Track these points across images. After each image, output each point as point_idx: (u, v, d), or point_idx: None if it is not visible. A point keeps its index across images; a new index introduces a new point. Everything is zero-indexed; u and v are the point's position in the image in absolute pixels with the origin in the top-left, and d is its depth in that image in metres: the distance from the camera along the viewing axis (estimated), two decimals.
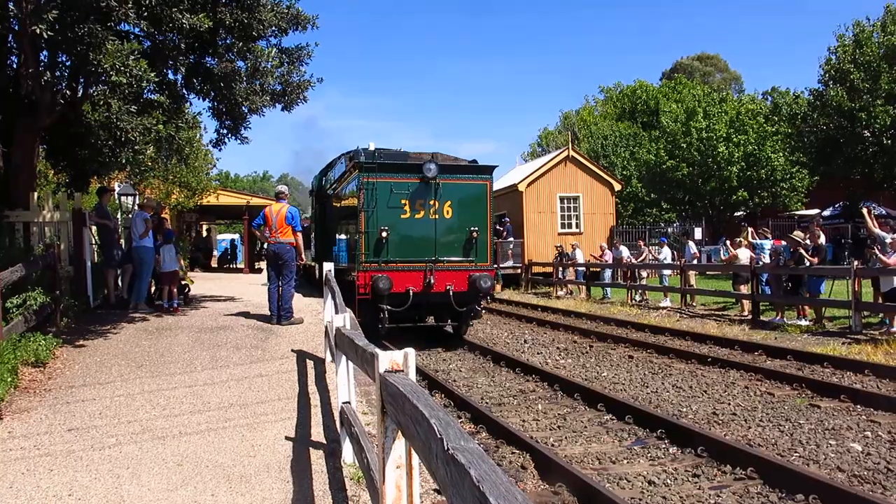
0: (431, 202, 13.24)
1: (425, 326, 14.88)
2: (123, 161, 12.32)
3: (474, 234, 13.41)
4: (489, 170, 14.23)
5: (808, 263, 14.51)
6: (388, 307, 12.77)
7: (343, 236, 16.16)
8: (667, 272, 21.48)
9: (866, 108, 24.44)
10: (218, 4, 9.61)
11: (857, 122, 24.79)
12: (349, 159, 15.23)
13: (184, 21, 8.71)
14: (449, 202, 13.40)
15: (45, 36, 8.11)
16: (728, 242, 19.54)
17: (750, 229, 19.59)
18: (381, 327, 12.92)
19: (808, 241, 14.93)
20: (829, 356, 10.90)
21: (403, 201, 13.16)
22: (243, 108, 11.13)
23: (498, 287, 25.57)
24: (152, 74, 8.77)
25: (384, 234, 12.94)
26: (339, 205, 16.83)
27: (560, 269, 25.85)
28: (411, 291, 12.96)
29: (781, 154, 31.56)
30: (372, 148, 14.07)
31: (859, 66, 25.23)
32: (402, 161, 13.66)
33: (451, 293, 13.08)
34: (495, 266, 16.12)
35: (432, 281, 13.03)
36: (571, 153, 30.45)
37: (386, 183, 13.09)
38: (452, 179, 13.49)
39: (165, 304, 12.25)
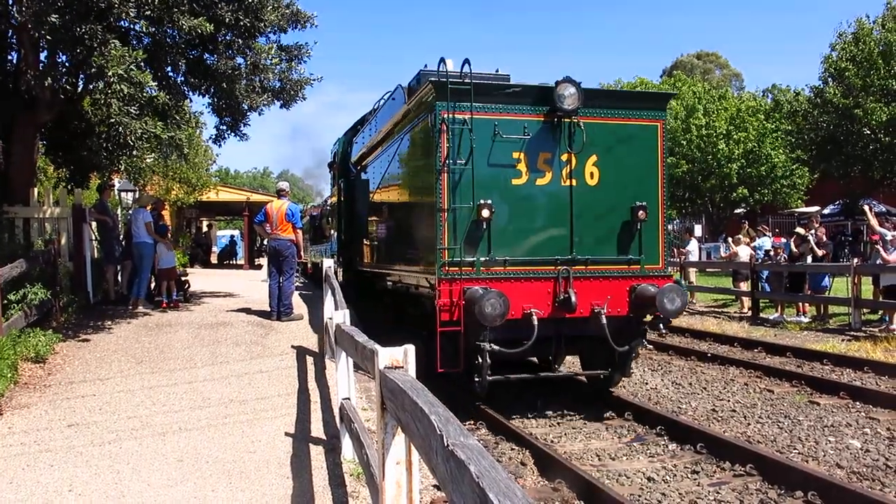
0: (565, 157, 7.65)
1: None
2: (122, 166, 12.35)
3: (639, 215, 7.75)
4: (662, 101, 8.61)
5: (819, 255, 14.60)
6: (495, 346, 7.22)
7: (391, 222, 10.32)
8: None
9: (861, 106, 24.42)
10: (218, 4, 9.60)
11: (854, 120, 24.77)
12: (408, 90, 9.25)
13: (183, 23, 8.72)
14: (595, 157, 7.75)
15: (47, 38, 8.12)
16: (729, 239, 19.55)
17: (748, 229, 19.61)
18: (478, 382, 7.33)
19: (818, 234, 15.00)
20: (829, 353, 10.91)
21: (517, 155, 7.55)
22: (243, 106, 11.13)
23: None
24: (154, 83, 8.81)
25: (485, 213, 7.29)
26: (387, 171, 10.36)
27: None
28: (535, 317, 7.25)
29: (781, 151, 31.56)
30: (450, 67, 8.06)
31: (857, 63, 25.21)
32: (514, 86, 7.82)
33: (602, 319, 7.42)
34: (669, 269, 8.77)
35: (572, 298, 7.36)
36: None
37: (487, 121, 7.44)
38: (602, 117, 7.83)
39: (164, 300, 12.26)
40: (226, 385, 7.64)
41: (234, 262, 37.44)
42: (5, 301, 8.53)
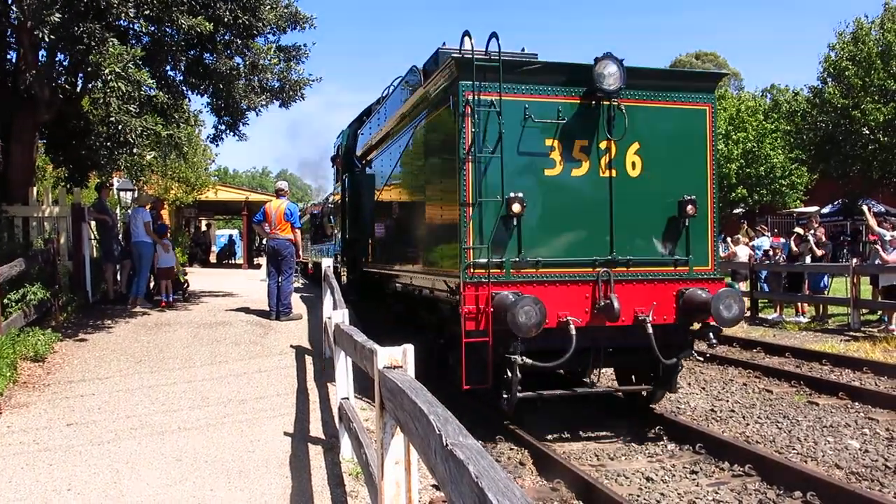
0: (604, 144, 6.85)
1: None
2: (122, 164, 12.34)
3: (688, 210, 6.95)
4: (711, 81, 7.64)
5: (818, 255, 14.62)
6: (527, 359, 6.42)
7: (403, 219, 9.31)
8: None
9: (859, 106, 24.44)
10: (217, 3, 9.61)
11: (853, 120, 24.79)
12: (424, 72, 8.19)
13: (183, 22, 8.72)
14: (637, 145, 6.94)
15: (47, 39, 8.12)
16: (728, 239, 19.56)
17: (747, 229, 19.62)
18: (506, 399, 6.52)
19: (817, 235, 15.03)
20: (828, 353, 10.92)
21: (550, 142, 6.74)
22: (241, 105, 11.15)
23: None
24: (152, 81, 8.81)
25: (515, 207, 6.49)
26: (398, 163, 9.29)
27: None
28: (572, 326, 6.41)
29: (780, 151, 31.56)
30: (469, 46, 6.85)
31: (856, 63, 25.23)
32: (548, 63, 6.93)
33: (648, 328, 6.57)
34: (719, 272, 7.60)
35: (615, 305, 6.50)
36: None
37: (516, 104, 6.62)
38: (645, 100, 7.00)
39: (164, 298, 12.26)
40: (225, 384, 7.64)
41: (233, 261, 37.45)
42: (4, 300, 8.54)
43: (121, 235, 12.99)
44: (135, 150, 10.67)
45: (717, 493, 5.66)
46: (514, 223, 6.59)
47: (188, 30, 8.89)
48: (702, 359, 8.66)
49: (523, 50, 8.27)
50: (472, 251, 6.52)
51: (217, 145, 13.42)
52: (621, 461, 6.57)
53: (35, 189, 11.73)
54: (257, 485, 5.02)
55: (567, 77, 6.84)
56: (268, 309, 11.44)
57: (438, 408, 2.32)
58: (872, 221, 14.03)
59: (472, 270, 6.50)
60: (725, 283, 7.33)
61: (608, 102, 6.80)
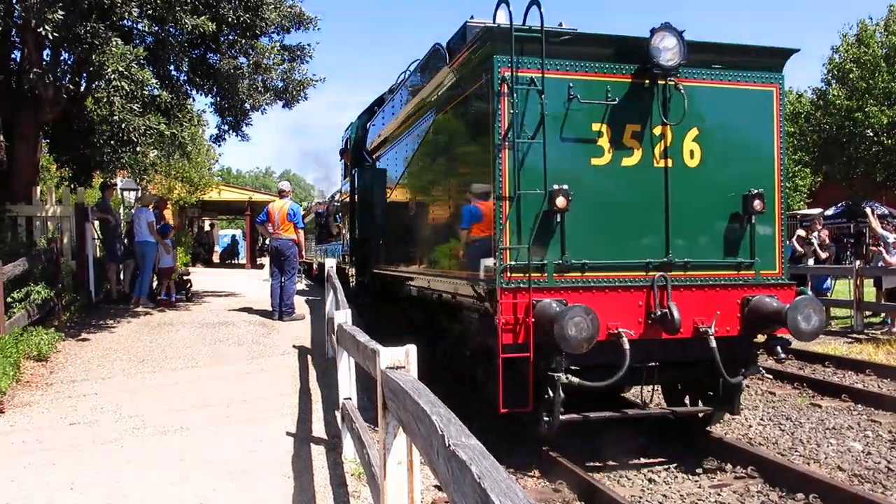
0: (658, 130, 6.01)
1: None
2: (125, 162, 12.36)
3: (755, 205, 6.13)
4: (780, 58, 6.51)
5: (822, 257, 14.62)
6: (573, 378, 5.58)
7: (422, 216, 8.27)
8: None
9: (863, 108, 24.42)
10: (220, 3, 9.63)
11: (857, 122, 24.76)
12: (448, 51, 7.21)
13: (186, 21, 8.74)
14: (695, 130, 6.10)
15: (51, 37, 8.14)
16: None
17: None
18: (547, 422, 5.70)
19: (821, 236, 15.03)
20: (831, 356, 10.89)
21: (597, 126, 5.89)
22: (245, 105, 11.17)
23: None
24: (155, 81, 8.83)
25: (560, 201, 5.64)
26: (416, 154, 8.47)
27: None
28: (625, 339, 5.59)
29: (784, 153, 31.53)
30: (502, 20, 6.04)
31: (860, 65, 25.20)
32: (597, 36, 6.12)
33: (711, 341, 5.74)
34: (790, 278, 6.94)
35: (675, 315, 5.67)
36: None
37: (560, 82, 5.79)
38: (705, 79, 6.15)
39: (164, 297, 12.28)
40: (227, 384, 7.64)
41: (236, 261, 37.49)
42: (8, 299, 8.56)
43: (124, 235, 13.02)
44: (138, 149, 10.72)
45: (719, 495, 5.64)
46: (558, 220, 5.72)
47: (192, 29, 8.91)
48: (770, 377, 8.04)
49: (560, 25, 7.15)
50: (508, 252, 5.64)
51: (220, 145, 13.45)
52: (623, 462, 6.54)
53: (38, 188, 11.76)
54: (260, 485, 5.02)
55: (617, 51, 5.95)
56: (271, 309, 11.45)
57: (441, 408, 2.32)
58: (876, 224, 14.00)
59: (509, 275, 5.60)
60: (795, 289, 6.30)
61: (663, 82, 5.95)
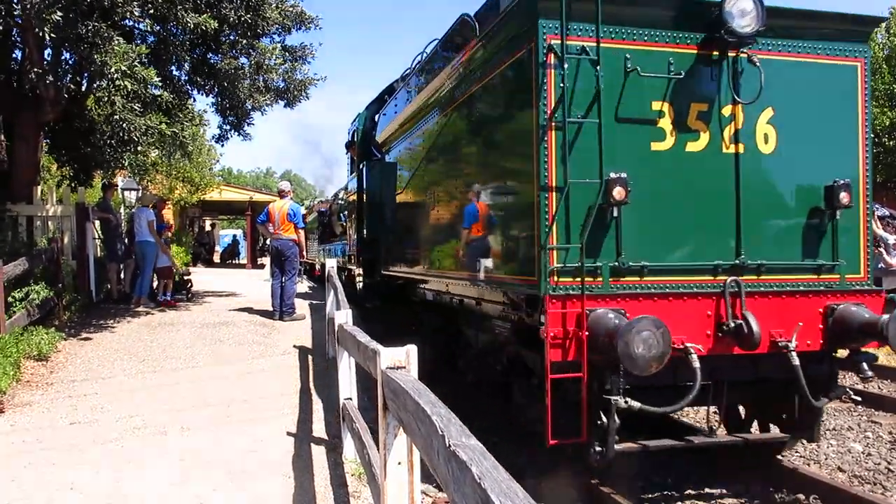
0: (728, 110, 5.25)
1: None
2: (126, 162, 12.37)
3: (841, 199, 5.34)
4: (865, 28, 5.71)
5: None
6: (633, 402, 4.75)
7: (442, 211, 7.41)
8: None
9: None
10: (222, 2, 9.64)
11: None
12: (477, 20, 6.49)
13: (188, 20, 8.75)
14: (770, 111, 5.31)
15: (50, 37, 8.15)
16: None
17: None
18: (599, 452, 4.83)
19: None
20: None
21: (658, 105, 5.13)
22: (246, 105, 11.18)
23: None
24: (157, 80, 8.83)
25: (617, 193, 4.89)
26: (436, 142, 7.67)
27: None
28: (695, 356, 4.80)
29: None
30: None
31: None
32: None
33: (793, 357, 4.98)
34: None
35: (752, 327, 4.91)
36: None
37: (615, 53, 5.02)
38: (781, 52, 5.36)
39: (161, 297, 12.30)
40: (228, 384, 7.64)
41: (237, 261, 37.51)
42: (8, 299, 8.56)
43: (125, 235, 13.03)
44: (139, 149, 10.71)
45: (721, 495, 5.64)
46: (614, 214, 4.91)
47: (193, 28, 8.91)
48: (860, 399, 7.41)
49: None
50: (556, 252, 4.84)
51: (222, 145, 13.45)
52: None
53: (39, 188, 11.77)
54: (260, 484, 5.02)
55: (682, 16, 5.14)
56: (271, 309, 11.46)
57: (441, 408, 2.32)
58: (876, 225, 14.00)
59: (556, 279, 4.83)
60: (884, 295, 5.45)
61: (734, 53, 5.15)
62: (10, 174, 11.19)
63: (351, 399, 5.66)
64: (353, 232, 12.87)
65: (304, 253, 11.79)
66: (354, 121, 12.91)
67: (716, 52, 5.16)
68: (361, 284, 12.10)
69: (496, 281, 5.74)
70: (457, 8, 8.09)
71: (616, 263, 4.94)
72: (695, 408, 6.11)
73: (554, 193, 4.86)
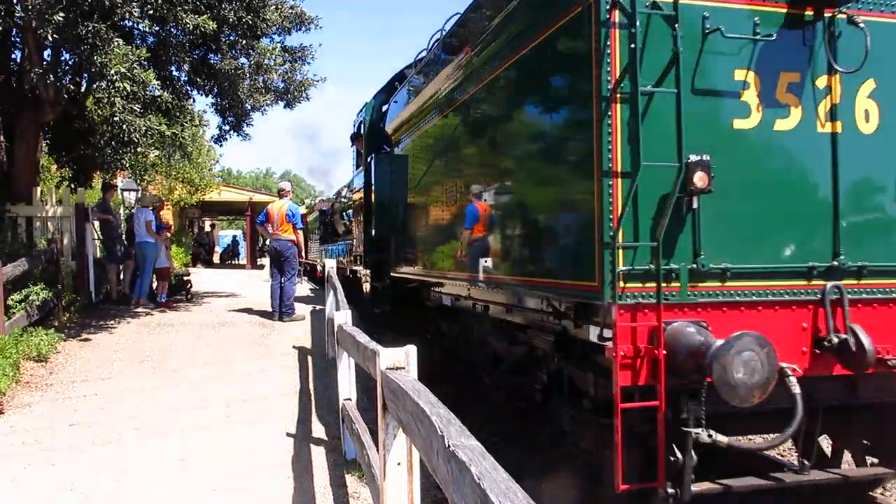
0: (822, 81, 4.31)
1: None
2: (126, 162, 12.37)
3: None
4: None
5: None
6: (720, 436, 3.94)
7: (468, 205, 6.43)
8: None
9: None
10: (222, 3, 9.64)
11: None
12: None
13: (188, 21, 8.75)
14: (872, 84, 4.38)
15: (52, 38, 8.15)
16: None
17: None
18: (672, 495, 3.93)
19: None
20: None
21: (742, 74, 4.17)
22: (246, 106, 11.19)
23: None
24: (157, 82, 8.84)
25: (699, 179, 3.95)
26: (463, 125, 6.75)
27: None
28: (793, 378, 3.92)
29: None
30: None
31: None
32: None
33: None
34: None
35: (864, 344, 4.00)
36: None
37: (691, 10, 4.06)
38: (882, 13, 4.41)
39: (160, 299, 12.30)
40: (227, 385, 7.64)
41: (237, 261, 37.52)
42: (8, 300, 8.56)
43: (124, 236, 13.03)
44: (139, 150, 10.71)
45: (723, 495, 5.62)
46: (693, 205, 4.04)
47: (193, 29, 8.92)
48: None
49: None
50: (623, 251, 3.95)
51: (222, 145, 13.45)
52: None
53: (39, 189, 11.77)
54: (260, 485, 5.02)
55: None
56: (270, 310, 11.46)
57: (441, 409, 2.32)
58: None
59: (623, 285, 3.95)
60: None
61: (832, 13, 4.30)
62: (9, 175, 11.20)
63: (350, 400, 5.66)
64: (359, 231, 11.94)
65: (304, 254, 11.76)
66: (361, 111, 12.04)
67: (809, 11, 4.30)
68: (369, 287, 11.28)
69: (538, 286, 4.89)
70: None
71: (694, 265, 4.06)
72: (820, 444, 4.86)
73: (620, 180, 3.97)
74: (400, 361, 3.19)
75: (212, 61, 10.74)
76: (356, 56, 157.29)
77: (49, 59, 10.26)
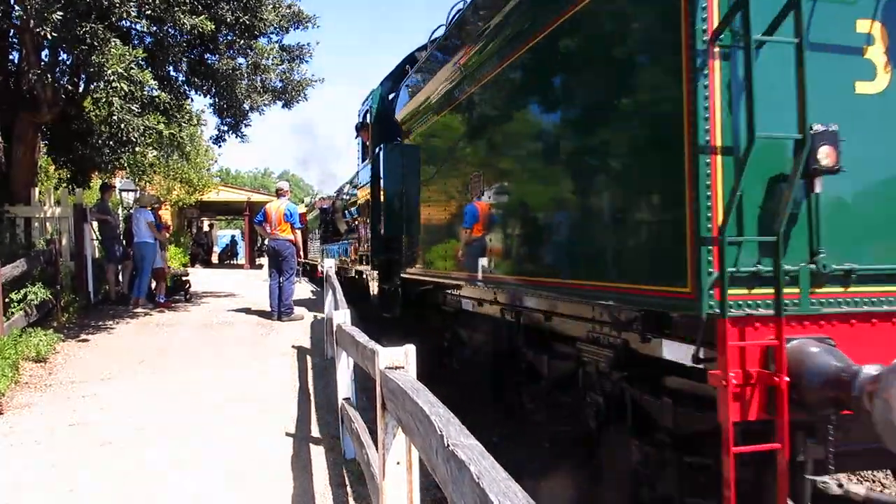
0: None
1: None
2: (124, 162, 12.37)
3: None
4: None
5: None
6: (854, 487, 3.27)
7: (508, 194, 5.49)
8: None
9: None
10: (219, 3, 9.64)
11: None
12: None
13: (185, 21, 8.75)
14: None
15: (50, 37, 8.14)
16: None
17: None
18: None
19: None
20: None
21: (864, 26, 3.27)
22: (244, 106, 11.18)
23: None
24: (154, 83, 8.83)
25: (824, 156, 3.06)
26: (496, 100, 5.70)
27: None
28: None
29: None
30: None
31: None
32: None
33: None
34: None
35: None
36: None
37: None
38: None
39: (158, 299, 12.30)
40: (226, 385, 7.64)
41: (235, 261, 37.49)
42: (7, 300, 8.55)
43: (122, 236, 13.02)
44: (137, 150, 10.70)
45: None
46: (814, 191, 3.22)
47: (190, 29, 8.91)
48: None
49: None
50: (726, 248, 3.07)
51: (220, 146, 13.41)
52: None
53: (37, 189, 11.76)
54: (259, 485, 5.01)
55: None
56: (269, 310, 11.45)
57: (440, 408, 2.32)
58: None
59: (731, 292, 3.12)
60: None
61: None
62: (7, 175, 11.19)
63: (350, 399, 5.67)
64: (365, 229, 11.02)
65: (302, 253, 11.76)
66: (367, 99, 10.99)
67: None
68: (377, 289, 10.27)
69: (594, 290, 4.01)
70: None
71: (813, 266, 3.23)
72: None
73: (719, 157, 3.13)
74: (399, 361, 3.19)
75: (209, 61, 10.74)
76: (354, 52, 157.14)
77: (47, 59, 10.25)
